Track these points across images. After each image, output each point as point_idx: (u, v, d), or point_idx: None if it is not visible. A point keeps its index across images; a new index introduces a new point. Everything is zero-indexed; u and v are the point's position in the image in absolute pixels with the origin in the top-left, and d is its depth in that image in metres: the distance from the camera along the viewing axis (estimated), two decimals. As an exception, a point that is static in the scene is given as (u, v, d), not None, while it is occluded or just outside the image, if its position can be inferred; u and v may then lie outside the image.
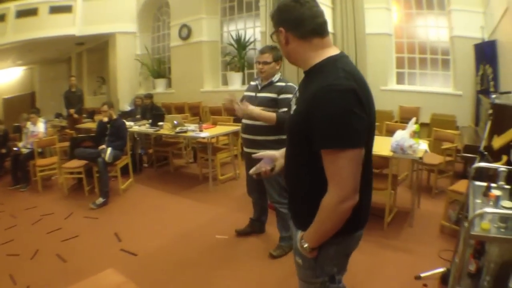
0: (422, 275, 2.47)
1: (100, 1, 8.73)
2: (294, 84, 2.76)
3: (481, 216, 1.53)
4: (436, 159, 4.06)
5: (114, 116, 4.68)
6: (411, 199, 3.36)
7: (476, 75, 5.00)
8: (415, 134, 3.10)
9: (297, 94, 1.25)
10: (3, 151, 5.71)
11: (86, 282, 1.87)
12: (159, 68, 9.32)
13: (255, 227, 3.29)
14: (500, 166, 1.91)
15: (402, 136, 3.06)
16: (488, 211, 1.52)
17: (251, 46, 7.45)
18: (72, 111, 7.32)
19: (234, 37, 7.43)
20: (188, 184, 4.96)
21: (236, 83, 7.63)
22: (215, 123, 5.58)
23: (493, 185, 1.84)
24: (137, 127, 5.66)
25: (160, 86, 9.35)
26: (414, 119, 3.15)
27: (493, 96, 2.63)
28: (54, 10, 8.31)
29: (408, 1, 6.10)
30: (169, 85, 9.28)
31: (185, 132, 4.87)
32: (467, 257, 1.81)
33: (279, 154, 1.46)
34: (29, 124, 5.59)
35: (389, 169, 3.30)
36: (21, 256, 3.17)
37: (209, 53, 8.18)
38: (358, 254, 1.34)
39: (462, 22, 5.29)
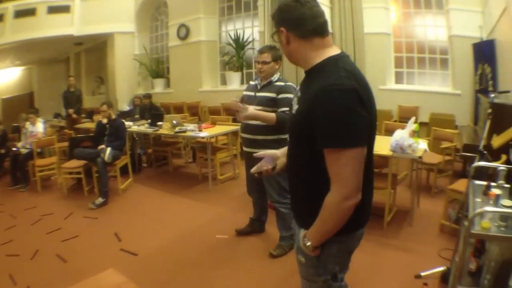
0: (422, 274, 2.47)
1: (98, 1, 8.71)
2: (293, 84, 2.76)
3: (481, 215, 1.54)
4: (435, 158, 4.07)
5: (113, 116, 4.68)
6: (410, 198, 3.37)
7: (475, 74, 5.02)
8: (415, 134, 3.11)
9: (299, 94, 1.25)
10: (2, 151, 5.69)
11: (86, 282, 1.87)
12: (157, 68, 9.31)
13: (255, 227, 3.30)
14: (500, 165, 1.92)
15: (402, 135, 3.07)
16: (489, 210, 1.53)
17: (250, 45, 7.44)
18: (71, 111, 7.32)
19: (233, 36, 7.43)
20: (187, 184, 4.96)
21: (235, 82, 7.63)
22: (214, 123, 5.59)
23: (492, 184, 1.85)
24: (136, 127, 5.66)
25: (158, 86, 9.35)
26: (413, 119, 3.16)
27: (492, 95, 2.65)
28: (52, 10, 8.29)
29: (406, 0, 6.10)
30: (167, 85, 9.27)
31: (184, 132, 4.87)
32: (467, 256, 1.82)
33: (280, 153, 1.47)
34: (28, 124, 5.58)
35: (389, 169, 3.30)
36: (21, 256, 3.16)
37: (207, 53, 8.17)
38: (358, 253, 1.34)
39: (460, 21, 5.30)
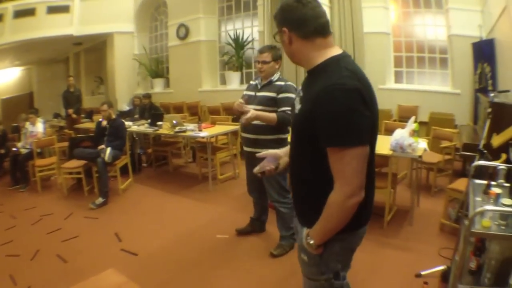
0: (423, 273, 2.48)
1: (98, 1, 8.71)
2: (293, 83, 2.77)
3: (482, 213, 1.54)
4: (435, 157, 4.08)
5: (113, 116, 4.68)
6: (410, 198, 3.37)
7: (474, 73, 5.02)
8: (414, 133, 3.11)
9: (301, 94, 1.26)
10: (2, 151, 5.69)
11: (87, 283, 1.88)
12: (157, 68, 9.31)
13: (256, 226, 3.30)
14: (500, 164, 1.92)
15: (402, 135, 3.07)
16: (489, 209, 1.53)
17: (249, 45, 7.44)
18: (70, 111, 7.32)
19: (232, 36, 7.43)
20: (187, 184, 4.96)
21: (234, 82, 7.63)
22: (214, 123, 5.59)
23: (492, 183, 1.85)
24: (136, 127, 5.66)
25: (158, 86, 9.35)
26: (413, 118, 3.17)
27: (492, 94, 2.65)
28: (52, 10, 8.28)
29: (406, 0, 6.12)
30: (167, 84, 9.27)
31: (184, 131, 4.87)
32: (467, 255, 1.82)
33: (282, 152, 1.48)
34: (27, 124, 5.57)
35: (389, 168, 3.31)
36: (21, 256, 3.16)
37: (207, 53, 8.17)
38: (358, 252, 1.34)
39: (460, 20, 5.30)
